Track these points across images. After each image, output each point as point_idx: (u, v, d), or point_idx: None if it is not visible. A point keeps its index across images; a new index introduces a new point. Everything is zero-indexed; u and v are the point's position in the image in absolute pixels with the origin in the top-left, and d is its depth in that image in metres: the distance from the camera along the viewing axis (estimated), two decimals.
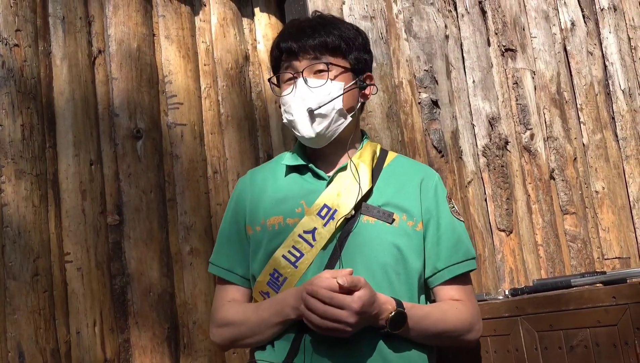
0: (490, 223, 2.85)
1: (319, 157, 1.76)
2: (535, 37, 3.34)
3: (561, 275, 2.90)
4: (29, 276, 1.94)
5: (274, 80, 1.80)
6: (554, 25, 3.49)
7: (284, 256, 1.63)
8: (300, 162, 1.74)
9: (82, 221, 2.10)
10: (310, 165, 1.74)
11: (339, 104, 1.69)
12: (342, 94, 1.70)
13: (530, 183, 3.05)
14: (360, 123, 2.51)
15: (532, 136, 3.11)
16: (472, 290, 1.80)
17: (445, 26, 2.94)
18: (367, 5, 2.66)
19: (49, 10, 2.19)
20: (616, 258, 3.30)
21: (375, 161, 1.77)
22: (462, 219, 1.80)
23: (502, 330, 2.09)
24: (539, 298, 2.02)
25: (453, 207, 1.79)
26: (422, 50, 2.79)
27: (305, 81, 1.67)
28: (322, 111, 1.67)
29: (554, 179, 3.17)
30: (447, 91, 2.83)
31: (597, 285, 2.01)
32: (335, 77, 1.70)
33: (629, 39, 3.83)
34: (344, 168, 1.71)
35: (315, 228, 1.63)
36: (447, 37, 2.93)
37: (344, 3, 2.63)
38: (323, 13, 1.84)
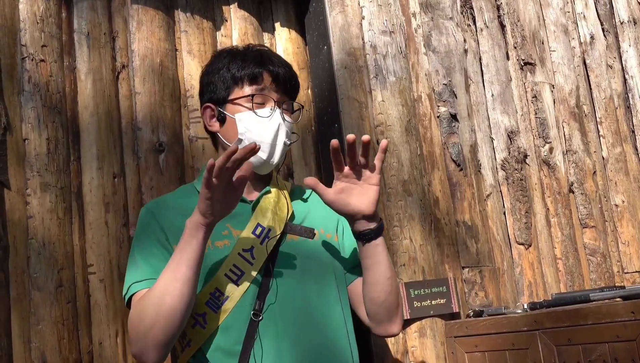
0: (509, 236, 2.85)
1: None
2: (554, 50, 3.35)
3: (580, 289, 2.90)
4: (53, 288, 1.98)
5: (253, 95, 1.75)
6: (573, 39, 3.49)
7: (226, 274, 1.65)
8: None
9: (105, 233, 2.13)
10: None
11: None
12: (294, 134, 1.85)
13: (549, 197, 3.05)
14: (380, 137, 2.54)
15: (551, 150, 3.11)
16: None
17: (464, 40, 2.95)
18: (386, 20, 2.69)
19: (74, 26, 2.24)
20: (636, 272, 3.28)
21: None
22: None
23: (521, 344, 2.10)
24: (558, 313, 2.03)
25: None
26: (441, 64, 2.80)
27: (282, 114, 1.77)
28: (287, 145, 1.78)
29: (573, 192, 3.17)
30: (466, 105, 2.84)
31: (616, 299, 2.01)
32: (295, 118, 1.87)
33: None
34: (267, 192, 1.79)
35: (252, 247, 1.68)
36: (466, 51, 2.95)
37: (363, 18, 2.66)
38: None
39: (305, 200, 1.90)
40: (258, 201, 1.76)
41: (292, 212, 1.79)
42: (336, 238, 1.83)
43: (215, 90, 1.80)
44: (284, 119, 1.75)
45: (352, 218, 1.66)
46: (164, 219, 1.71)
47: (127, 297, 1.64)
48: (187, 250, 1.53)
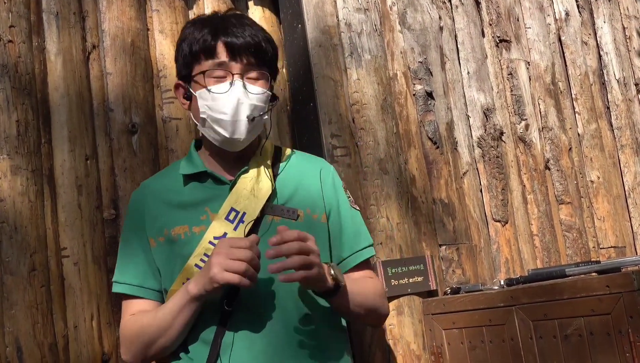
0: (485, 213, 2.86)
1: (218, 162, 1.74)
2: (529, 27, 3.34)
3: (556, 265, 2.91)
4: (26, 272, 1.95)
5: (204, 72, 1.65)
6: (549, 15, 3.49)
7: (196, 264, 1.59)
8: (199, 169, 1.70)
9: (78, 216, 2.11)
10: (210, 171, 1.70)
11: (266, 114, 1.69)
12: (271, 106, 1.70)
13: (525, 174, 3.06)
14: (356, 116, 2.52)
15: (527, 127, 3.12)
16: (375, 273, 1.91)
17: (440, 18, 2.94)
18: None
19: (43, 5, 2.19)
20: (611, 247, 3.31)
21: (272, 159, 1.77)
22: (358, 208, 1.84)
23: (498, 320, 2.11)
24: (534, 288, 2.04)
25: (349, 197, 1.82)
26: (417, 42, 2.79)
27: (244, 85, 1.63)
28: (257, 119, 1.65)
29: (549, 169, 3.18)
30: (442, 83, 2.83)
31: (592, 274, 2.02)
32: (267, 87, 1.69)
33: (624, 28, 3.84)
34: (245, 171, 1.69)
35: (225, 233, 1.61)
36: (441, 28, 2.93)
37: None
38: (241, 13, 1.79)
39: (295, 169, 1.77)
40: (235, 182, 1.67)
41: (274, 190, 1.68)
42: (323, 219, 1.72)
43: (180, 66, 1.72)
44: (248, 92, 1.63)
45: None
46: (147, 211, 1.70)
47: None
48: (177, 304, 1.56)
